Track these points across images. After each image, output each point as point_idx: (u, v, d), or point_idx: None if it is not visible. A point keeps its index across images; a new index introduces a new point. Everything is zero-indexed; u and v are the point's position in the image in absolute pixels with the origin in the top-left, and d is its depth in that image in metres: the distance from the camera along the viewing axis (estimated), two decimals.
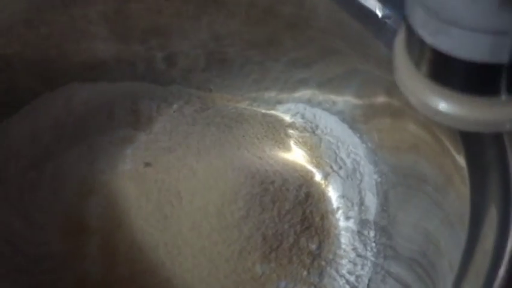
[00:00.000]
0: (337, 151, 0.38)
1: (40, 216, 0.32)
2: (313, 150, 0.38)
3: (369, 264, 0.33)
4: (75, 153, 0.35)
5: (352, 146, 0.38)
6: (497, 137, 0.25)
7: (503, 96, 0.19)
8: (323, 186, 0.35)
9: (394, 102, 0.34)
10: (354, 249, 0.34)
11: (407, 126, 0.34)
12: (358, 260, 0.34)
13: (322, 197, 0.34)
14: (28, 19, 0.34)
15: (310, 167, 0.36)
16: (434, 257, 0.29)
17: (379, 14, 0.31)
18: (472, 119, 0.20)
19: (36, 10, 0.33)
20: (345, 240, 0.34)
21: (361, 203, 0.36)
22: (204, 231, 0.30)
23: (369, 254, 0.34)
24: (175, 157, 0.33)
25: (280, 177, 0.32)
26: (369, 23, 0.32)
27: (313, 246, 0.33)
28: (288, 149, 0.36)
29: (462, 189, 0.27)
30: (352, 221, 0.35)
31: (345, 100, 0.39)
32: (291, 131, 0.38)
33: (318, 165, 0.37)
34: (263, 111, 0.40)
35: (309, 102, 0.40)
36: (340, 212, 0.35)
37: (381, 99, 0.36)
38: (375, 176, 0.37)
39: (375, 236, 0.34)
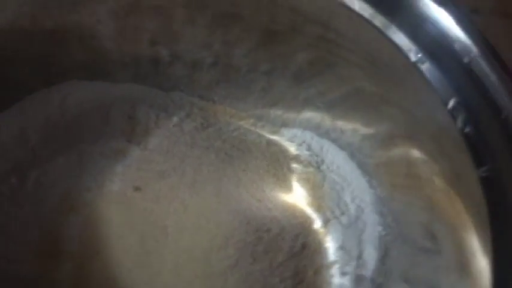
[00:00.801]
0: (341, 193, 0.36)
1: (16, 229, 0.30)
2: (316, 189, 0.35)
3: None
4: (62, 161, 0.33)
5: (358, 190, 0.36)
6: None
7: None
8: (321, 235, 0.33)
9: (414, 152, 0.32)
10: None
11: (423, 183, 0.31)
12: None
13: (319, 248, 0.32)
14: (34, 14, 0.31)
15: (310, 211, 0.33)
16: None
17: (412, 57, 0.28)
18: None
19: (43, 6, 0.31)
20: None
21: (359, 256, 0.33)
22: (186, 276, 0.28)
23: None
24: (168, 185, 0.31)
25: (278, 225, 0.30)
26: (399, 65, 0.29)
27: None
28: (289, 188, 0.34)
29: (481, 265, 0.25)
30: (347, 277, 0.32)
31: (353, 129, 0.36)
32: (294, 165, 0.35)
33: (318, 209, 0.34)
34: (268, 136, 0.37)
35: (317, 129, 0.37)
36: (336, 266, 0.32)
37: (398, 143, 0.33)
38: (379, 228, 0.34)
39: None
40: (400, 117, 0.32)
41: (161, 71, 0.37)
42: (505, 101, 0.27)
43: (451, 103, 0.28)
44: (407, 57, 0.29)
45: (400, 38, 0.29)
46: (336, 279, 0.32)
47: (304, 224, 0.32)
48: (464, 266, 0.27)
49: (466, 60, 0.28)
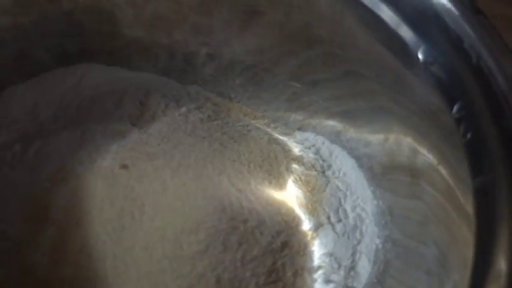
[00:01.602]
0: (342, 200, 0.34)
1: (11, 193, 0.31)
2: (315, 192, 0.33)
3: None
4: (65, 136, 0.34)
5: (361, 199, 0.34)
6: None
7: None
8: (308, 237, 0.31)
9: (418, 161, 0.30)
10: None
11: (427, 195, 0.29)
12: None
13: (303, 250, 0.30)
14: None
15: (300, 212, 0.32)
16: None
17: (421, 57, 0.27)
18: None
19: None
20: None
21: (352, 267, 0.31)
22: (156, 255, 0.28)
23: None
24: (154, 166, 0.31)
25: (256, 218, 0.29)
26: (409, 64, 0.28)
27: None
28: (281, 186, 0.32)
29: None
30: (332, 286, 0.30)
31: (367, 139, 0.34)
32: (294, 166, 0.34)
33: (312, 212, 0.32)
34: (275, 135, 0.36)
35: (331, 135, 0.36)
36: (320, 272, 0.30)
37: (405, 152, 0.31)
38: (377, 241, 0.32)
39: None
40: (407, 126, 0.30)
41: (180, 64, 0.38)
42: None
43: (456, 107, 0.26)
44: (416, 57, 0.27)
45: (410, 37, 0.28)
46: (319, 285, 0.30)
47: (289, 223, 0.30)
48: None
49: (474, 60, 0.26)
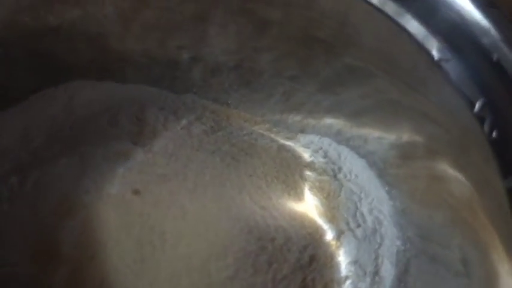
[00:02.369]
0: (358, 204, 0.33)
1: (14, 231, 0.29)
2: (330, 199, 0.33)
3: None
4: (64, 163, 0.32)
5: (377, 201, 0.33)
6: None
7: None
8: (333, 247, 0.30)
9: (437, 164, 0.29)
10: None
11: (447, 194, 0.28)
12: None
13: (330, 262, 0.29)
14: (35, 8, 0.30)
15: (321, 221, 0.31)
16: None
17: (436, 55, 0.26)
18: None
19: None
20: None
21: (376, 272, 0.31)
22: (183, 286, 0.26)
23: None
24: (168, 189, 0.29)
25: (283, 235, 0.28)
26: (421, 62, 0.27)
27: None
28: (299, 196, 0.32)
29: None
30: None
31: (374, 137, 0.33)
32: (307, 173, 0.33)
33: (332, 220, 0.32)
34: (281, 141, 0.35)
35: (336, 136, 0.35)
36: (348, 282, 0.30)
37: (420, 150, 0.31)
38: (398, 242, 0.32)
39: None
40: (421, 123, 0.30)
41: (177, 74, 0.36)
42: None
43: (478, 105, 0.26)
44: (429, 56, 0.26)
45: (422, 33, 0.27)
46: None
47: (314, 235, 0.30)
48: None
49: (495, 57, 0.25)
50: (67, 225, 0.29)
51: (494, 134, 0.25)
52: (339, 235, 0.31)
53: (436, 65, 0.27)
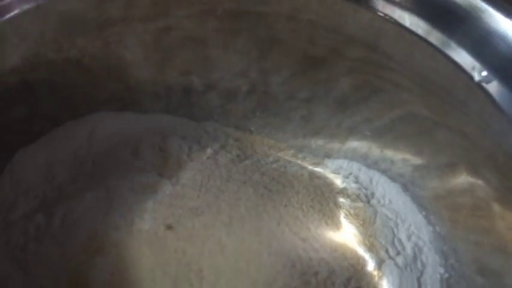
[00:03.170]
0: (395, 230, 0.32)
1: (42, 272, 0.28)
2: (367, 226, 0.31)
3: None
4: (90, 198, 0.30)
5: (414, 226, 0.32)
6: None
7: None
8: (376, 278, 0.29)
9: (479, 184, 0.28)
10: None
11: (494, 219, 0.27)
12: None
13: None
14: (57, 42, 0.30)
15: (362, 251, 0.30)
16: None
17: (476, 76, 0.25)
18: None
19: (68, 33, 0.29)
20: None
21: None
22: None
23: None
24: (202, 222, 0.28)
25: (326, 268, 0.26)
26: (459, 85, 0.26)
27: None
28: (337, 225, 0.30)
29: None
30: None
31: (405, 159, 0.32)
32: (341, 200, 0.32)
33: (371, 248, 0.30)
34: (310, 167, 0.34)
35: (364, 159, 0.34)
36: None
37: (460, 174, 0.30)
38: (441, 270, 0.30)
39: None
40: (460, 145, 0.29)
41: (194, 101, 0.35)
42: None
43: None
44: (469, 76, 0.26)
45: (461, 56, 0.26)
46: None
47: (356, 266, 0.28)
48: None
49: None
50: (97, 264, 0.28)
51: None
52: (380, 264, 0.30)
53: (477, 86, 0.26)
